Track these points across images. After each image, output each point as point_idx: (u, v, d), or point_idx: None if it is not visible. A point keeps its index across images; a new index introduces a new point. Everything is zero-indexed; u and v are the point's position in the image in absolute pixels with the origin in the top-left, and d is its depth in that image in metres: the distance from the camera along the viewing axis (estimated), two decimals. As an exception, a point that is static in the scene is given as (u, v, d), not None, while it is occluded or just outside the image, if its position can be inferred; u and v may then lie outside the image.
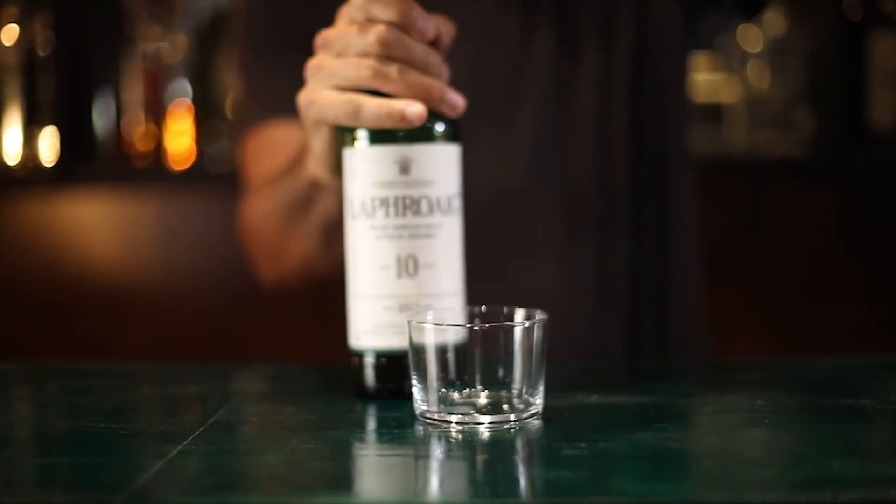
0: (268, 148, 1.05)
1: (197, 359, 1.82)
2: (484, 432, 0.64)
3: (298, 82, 0.77)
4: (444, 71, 0.75)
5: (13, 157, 1.87)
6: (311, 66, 0.76)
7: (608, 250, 1.05)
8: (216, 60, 1.96)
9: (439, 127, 0.73)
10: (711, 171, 1.66)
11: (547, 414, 0.68)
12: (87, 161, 1.90)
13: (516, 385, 0.66)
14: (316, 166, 0.82)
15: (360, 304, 0.74)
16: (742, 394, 0.75)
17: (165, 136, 1.91)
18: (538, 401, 0.67)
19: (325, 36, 0.75)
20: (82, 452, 0.63)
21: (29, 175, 1.87)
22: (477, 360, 0.66)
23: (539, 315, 0.68)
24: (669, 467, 0.58)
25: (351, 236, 0.74)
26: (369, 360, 0.74)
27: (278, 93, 0.98)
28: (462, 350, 0.66)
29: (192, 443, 0.63)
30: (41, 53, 1.88)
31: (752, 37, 1.92)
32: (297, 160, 0.91)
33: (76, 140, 1.90)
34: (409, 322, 0.67)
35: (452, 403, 0.66)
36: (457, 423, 0.66)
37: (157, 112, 1.91)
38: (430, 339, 0.66)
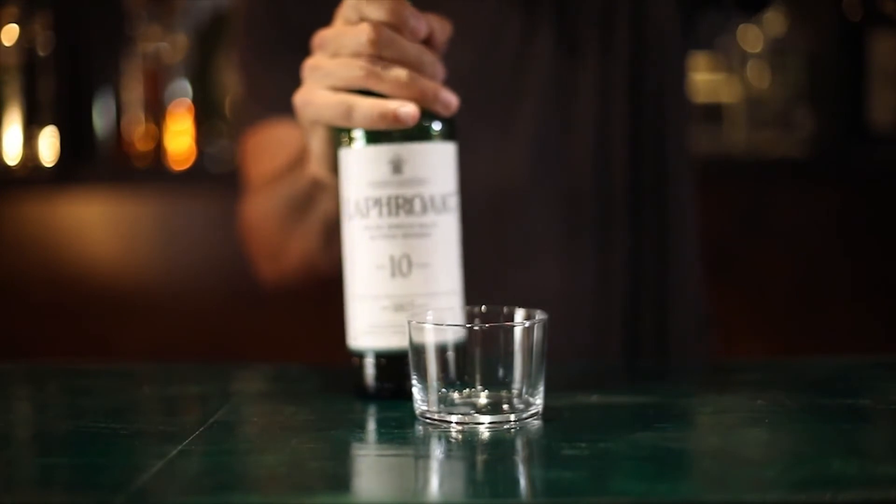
0: (268, 147, 1.05)
1: (197, 359, 1.82)
2: (484, 432, 0.64)
3: (298, 82, 0.77)
4: (439, 69, 0.74)
5: (13, 157, 1.87)
6: (308, 66, 0.76)
7: (608, 250, 1.05)
8: (216, 60, 1.96)
9: (435, 126, 0.73)
10: (711, 171, 1.66)
11: (547, 414, 0.68)
12: (87, 161, 1.90)
13: (516, 385, 0.66)
14: (316, 166, 0.82)
15: (357, 304, 0.74)
16: (742, 394, 0.75)
17: (165, 136, 1.91)
18: (538, 401, 0.67)
19: (321, 36, 0.75)
20: (82, 452, 0.63)
21: (29, 175, 1.87)
22: (477, 360, 0.66)
23: (539, 315, 0.68)
24: (669, 467, 0.58)
25: (347, 237, 0.74)
26: (367, 360, 0.74)
27: (278, 92, 0.98)
28: (462, 350, 0.66)
29: (192, 443, 0.63)
30: (41, 53, 1.88)
31: (752, 37, 1.92)
32: (298, 159, 0.91)
33: (76, 140, 1.90)
34: (409, 322, 0.67)
35: (452, 403, 0.66)
36: (457, 423, 0.66)
37: (157, 112, 1.91)
38: (430, 338, 0.66)
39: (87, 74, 1.92)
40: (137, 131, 1.91)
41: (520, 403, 0.66)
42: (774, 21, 1.90)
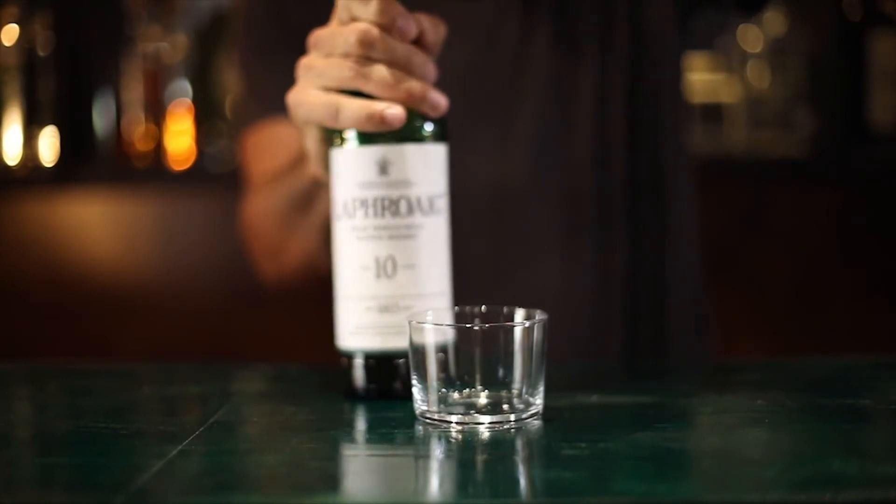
0: (268, 147, 1.05)
1: (197, 359, 1.82)
2: (484, 432, 0.64)
3: (297, 82, 0.77)
4: (430, 70, 0.74)
5: (13, 157, 1.87)
6: (302, 65, 0.76)
7: (608, 250, 1.05)
8: (216, 60, 1.96)
9: (426, 127, 0.72)
10: (711, 171, 1.66)
11: (547, 414, 0.68)
12: (87, 161, 1.90)
13: (516, 385, 0.66)
14: (315, 165, 0.82)
15: (344, 304, 0.74)
16: (742, 394, 0.75)
17: (165, 136, 1.91)
18: (538, 401, 0.67)
19: (316, 35, 0.75)
20: (82, 452, 0.63)
21: (29, 175, 1.87)
22: (477, 360, 0.66)
23: (539, 315, 0.68)
24: (669, 467, 0.58)
25: (335, 237, 0.74)
26: (354, 361, 0.74)
27: (278, 92, 0.98)
28: (461, 350, 0.66)
29: (192, 443, 0.63)
30: (41, 53, 1.88)
31: (751, 37, 1.92)
32: (298, 159, 0.91)
33: (76, 140, 1.90)
34: (409, 322, 0.67)
35: (452, 403, 0.66)
36: (457, 423, 0.66)
37: (157, 112, 1.91)
38: (430, 338, 0.66)
39: (87, 74, 1.92)
40: (137, 131, 1.91)
41: (520, 403, 0.66)
42: (774, 21, 1.90)
